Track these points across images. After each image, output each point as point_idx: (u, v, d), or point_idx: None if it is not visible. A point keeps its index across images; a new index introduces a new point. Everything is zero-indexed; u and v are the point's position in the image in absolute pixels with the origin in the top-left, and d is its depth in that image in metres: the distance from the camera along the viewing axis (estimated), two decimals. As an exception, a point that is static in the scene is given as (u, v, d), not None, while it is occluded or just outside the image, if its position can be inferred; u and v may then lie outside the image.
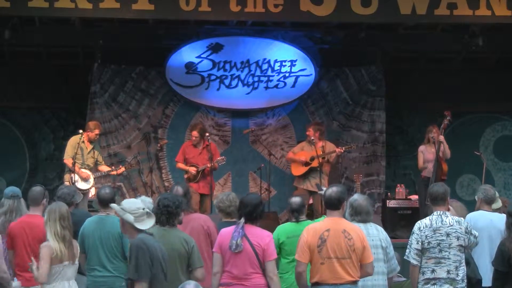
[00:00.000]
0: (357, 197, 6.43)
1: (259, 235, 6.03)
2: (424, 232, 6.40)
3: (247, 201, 6.13)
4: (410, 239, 6.54)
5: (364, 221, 6.29)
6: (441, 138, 10.63)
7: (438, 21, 11.64)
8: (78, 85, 12.81)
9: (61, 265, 6.00)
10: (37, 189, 6.88)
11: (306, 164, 10.87)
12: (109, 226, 6.76)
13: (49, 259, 5.92)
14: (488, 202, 7.48)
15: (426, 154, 10.87)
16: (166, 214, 5.95)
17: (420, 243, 6.40)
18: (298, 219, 6.99)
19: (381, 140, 13.00)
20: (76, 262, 6.16)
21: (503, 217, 6.84)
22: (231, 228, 6.07)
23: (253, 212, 6.07)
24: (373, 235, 6.25)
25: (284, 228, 7.11)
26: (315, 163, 10.77)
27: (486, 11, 10.82)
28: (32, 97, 13.16)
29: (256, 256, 5.93)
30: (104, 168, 10.86)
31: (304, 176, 10.90)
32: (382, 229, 6.47)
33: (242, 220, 6.04)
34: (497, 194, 7.78)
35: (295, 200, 7.10)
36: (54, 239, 5.99)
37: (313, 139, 10.89)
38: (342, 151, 10.81)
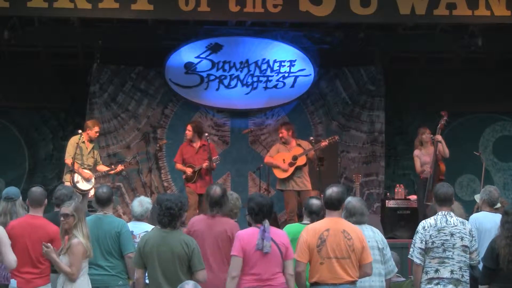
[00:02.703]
0: (351, 199, 6.41)
1: (280, 234, 6.08)
2: (429, 232, 6.39)
3: (264, 202, 6.13)
4: (414, 238, 6.52)
5: (358, 222, 6.28)
6: (439, 137, 10.60)
7: (437, 21, 11.63)
8: (77, 85, 12.81)
9: (87, 260, 6.26)
10: (38, 190, 6.82)
11: (290, 164, 10.68)
12: (106, 226, 6.76)
13: (82, 256, 6.14)
14: (491, 204, 7.49)
15: (422, 157, 10.82)
16: (169, 216, 5.94)
17: (424, 243, 6.39)
18: (313, 221, 6.63)
19: (380, 140, 13.01)
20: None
21: (505, 217, 6.84)
22: (251, 230, 6.05)
23: (271, 212, 6.14)
24: (369, 236, 6.23)
25: (292, 228, 6.82)
26: (300, 161, 10.68)
27: (485, 11, 10.82)
28: (31, 97, 13.14)
29: (281, 255, 5.97)
30: (102, 168, 10.86)
31: (289, 177, 10.67)
32: (378, 231, 6.45)
33: (267, 221, 6.01)
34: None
35: (315, 202, 6.80)
36: (83, 237, 6.18)
37: (287, 139, 10.78)
38: (327, 143, 10.69)
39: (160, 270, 5.86)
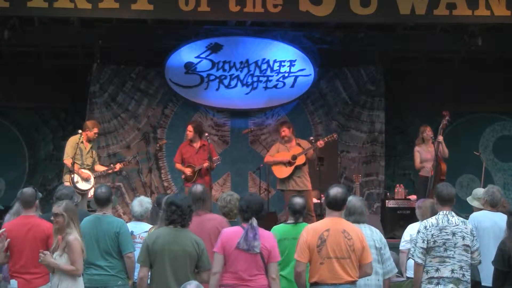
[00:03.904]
0: (351, 198, 6.42)
1: (265, 236, 6.03)
2: (430, 231, 6.38)
3: (254, 202, 6.12)
4: (415, 238, 6.52)
5: (357, 221, 6.30)
6: (440, 138, 10.64)
7: (437, 21, 11.64)
8: (78, 85, 12.81)
9: (83, 258, 6.27)
10: (29, 191, 6.80)
11: (289, 163, 10.62)
12: (105, 226, 6.76)
13: (81, 250, 6.17)
14: (493, 205, 7.49)
15: (422, 153, 10.89)
16: (190, 214, 5.93)
17: (425, 242, 6.38)
18: (297, 220, 6.72)
19: (380, 140, 13.01)
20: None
21: (505, 217, 6.84)
22: (234, 228, 6.05)
23: (260, 213, 6.10)
24: (366, 235, 6.22)
25: (279, 229, 6.77)
26: (299, 161, 10.65)
27: (485, 11, 10.82)
28: (32, 97, 13.15)
29: (262, 257, 5.94)
30: (100, 167, 10.84)
31: (289, 177, 10.59)
32: (377, 230, 6.46)
33: (255, 220, 6.00)
34: None
35: (298, 201, 6.74)
36: (79, 235, 6.21)
37: (288, 138, 10.74)
38: (324, 143, 10.67)
39: (170, 269, 5.82)
